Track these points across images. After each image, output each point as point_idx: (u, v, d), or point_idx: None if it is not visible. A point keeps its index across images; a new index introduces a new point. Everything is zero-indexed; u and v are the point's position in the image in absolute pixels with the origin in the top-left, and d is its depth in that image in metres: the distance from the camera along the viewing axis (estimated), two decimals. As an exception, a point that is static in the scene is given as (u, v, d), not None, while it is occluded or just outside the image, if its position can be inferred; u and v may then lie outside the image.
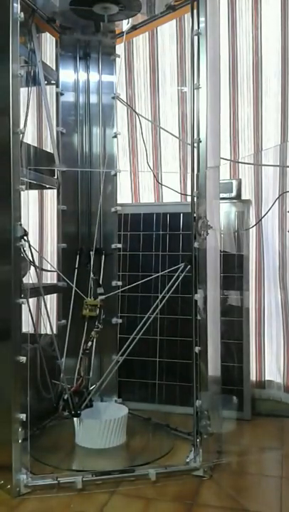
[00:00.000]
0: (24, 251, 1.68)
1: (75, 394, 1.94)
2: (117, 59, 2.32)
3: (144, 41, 2.53)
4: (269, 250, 2.35)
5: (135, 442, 2.01)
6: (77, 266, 2.19)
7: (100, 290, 2.08)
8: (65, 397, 1.92)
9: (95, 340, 2.02)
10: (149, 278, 2.14)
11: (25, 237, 1.66)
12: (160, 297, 1.98)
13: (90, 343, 2.01)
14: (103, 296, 2.06)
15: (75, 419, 1.95)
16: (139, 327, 1.96)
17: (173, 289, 1.92)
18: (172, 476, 1.70)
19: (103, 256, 2.23)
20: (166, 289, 1.97)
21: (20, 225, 1.65)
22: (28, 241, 1.68)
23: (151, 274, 2.20)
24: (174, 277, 1.90)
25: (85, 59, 2.30)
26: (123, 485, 1.66)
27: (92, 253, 2.18)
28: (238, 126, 2.39)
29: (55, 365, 2.13)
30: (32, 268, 1.87)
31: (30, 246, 1.71)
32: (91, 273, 2.14)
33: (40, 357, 2.04)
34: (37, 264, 1.91)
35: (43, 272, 2.17)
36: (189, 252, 1.79)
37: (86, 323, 2.05)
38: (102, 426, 1.92)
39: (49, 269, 2.31)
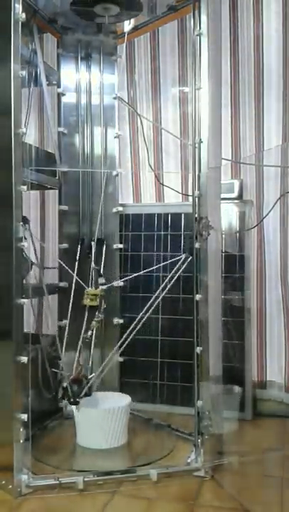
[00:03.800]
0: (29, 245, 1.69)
1: (74, 382, 1.94)
2: (119, 59, 2.32)
3: (145, 41, 2.53)
4: (270, 250, 2.34)
5: (136, 442, 2.01)
6: (78, 258, 2.20)
7: (102, 280, 2.09)
8: (64, 385, 1.93)
9: (94, 330, 2.04)
10: (149, 269, 2.17)
11: (26, 226, 1.67)
12: (160, 288, 1.99)
13: (90, 333, 2.02)
14: (104, 286, 2.07)
15: (74, 410, 1.96)
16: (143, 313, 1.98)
17: (174, 279, 1.92)
18: (173, 477, 1.70)
19: (104, 246, 2.24)
20: (167, 279, 1.97)
21: (22, 225, 1.65)
22: (29, 230, 1.68)
23: (152, 274, 2.21)
24: (175, 269, 1.91)
25: (86, 59, 2.30)
26: (124, 485, 1.66)
27: (93, 243, 2.21)
28: (240, 127, 2.39)
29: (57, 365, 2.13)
30: (33, 268, 1.87)
31: (31, 235, 1.71)
32: (92, 263, 2.16)
33: (42, 357, 2.05)
34: (39, 262, 1.92)
35: (45, 272, 2.17)
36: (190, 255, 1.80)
37: (86, 313, 2.06)
38: (103, 415, 1.92)
39: (51, 263, 2.33)
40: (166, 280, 1.98)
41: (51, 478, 1.65)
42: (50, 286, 2.19)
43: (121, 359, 2.27)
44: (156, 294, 2.01)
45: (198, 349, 1.75)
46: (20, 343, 1.65)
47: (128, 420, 2.00)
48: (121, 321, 2.28)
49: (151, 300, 2.00)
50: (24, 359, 1.63)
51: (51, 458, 1.84)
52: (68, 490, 1.62)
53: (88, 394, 1.95)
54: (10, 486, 1.60)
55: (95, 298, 2.03)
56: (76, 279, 2.11)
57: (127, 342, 2.02)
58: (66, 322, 2.15)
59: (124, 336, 2.02)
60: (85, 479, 1.64)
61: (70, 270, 2.13)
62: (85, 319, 2.06)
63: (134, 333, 2.00)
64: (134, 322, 2.00)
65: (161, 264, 2.15)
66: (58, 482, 1.63)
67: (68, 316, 2.13)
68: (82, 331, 2.05)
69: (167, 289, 1.99)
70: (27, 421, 1.62)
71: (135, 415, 2.18)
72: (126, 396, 2.05)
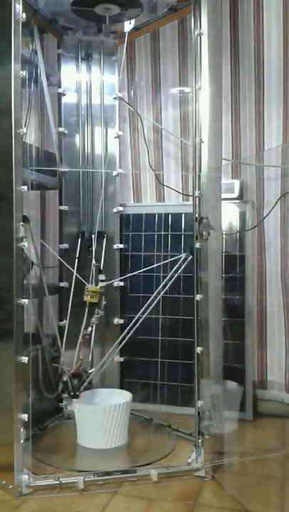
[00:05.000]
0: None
1: (74, 376, 1.97)
2: (119, 59, 2.32)
3: (146, 41, 2.53)
4: (271, 251, 2.34)
5: (137, 442, 2.01)
6: (78, 253, 2.22)
7: (102, 277, 2.10)
8: (65, 379, 1.96)
9: (94, 327, 2.08)
10: (150, 267, 2.20)
11: (27, 225, 1.67)
12: (160, 287, 2.01)
13: (89, 329, 2.05)
14: (104, 283, 2.07)
15: (75, 408, 1.96)
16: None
17: (174, 278, 1.93)
18: (174, 477, 1.70)
19: (105, 240, 2.25)
20: (166, 278, 1.99)
21: (23, 225, 1.65)
22: (29, 228, 1.68)
23: (152, 274, 2.21)
24: (175, 267, 1.93)
25: (86, 60, 2.30)
26: (125, 485, 1.66)
27: (94, 236, 2.24)
28: (240, 127, 2.39)
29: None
30: (34, 268, 1.88)
31: (31, 234, 1.71)
32: (93, 260, 2.17)
33: (43, 357, 2.05)
34: (39, 261, 1.93)
35: (45, 271, 2.17)
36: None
37: (87, 309, 2.09)
38: (104, 411, 1.91)
39: (51, 264, 2.33)
40: (166, 279, 1.98)
41: (52, 478, 1.65)
42: (51, 286, 2.19)
43: (121, 359, 2.28)
44: (155, 293, 2.01)
45: (198, 349, 1.75)
46: (21, 343, 1.65)
47: (129, 419, 2.00)
48: (121, 321, 2.28)
49: (151, 298, 2.02)
50: (25, 359, 1.63)
51: (52, 458, 1.84)
52: (69, 490, 1.62)
53: (88, 388, 1.99)
54: (10, 486, 1.60)
55: (95, 295, 2.05)
56: (76, 277, 2.12)
57: (126, 339, 2.03)
58: (66, 322, 2.16)
59: (123, 334, 2.05)
60: (86, 479, 1.64)
61: (70, 268, 2.14)
62: (85, 316, 2.08)
63: (133, 330, 2.02)
64: (134, 320, 2.03)
65: (162, 263, 2.16)
66: (58, 482, 1.63)
67: (68, 314, 2.14)
68: (82, 328, 2.07)
69: (167, 286, 2.00)
70: (27, 421, 1.62)
71: (136, 415, 2.18)
72: (127, 393, 2.05)
